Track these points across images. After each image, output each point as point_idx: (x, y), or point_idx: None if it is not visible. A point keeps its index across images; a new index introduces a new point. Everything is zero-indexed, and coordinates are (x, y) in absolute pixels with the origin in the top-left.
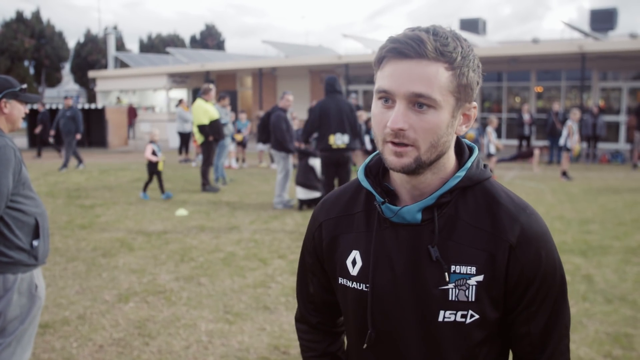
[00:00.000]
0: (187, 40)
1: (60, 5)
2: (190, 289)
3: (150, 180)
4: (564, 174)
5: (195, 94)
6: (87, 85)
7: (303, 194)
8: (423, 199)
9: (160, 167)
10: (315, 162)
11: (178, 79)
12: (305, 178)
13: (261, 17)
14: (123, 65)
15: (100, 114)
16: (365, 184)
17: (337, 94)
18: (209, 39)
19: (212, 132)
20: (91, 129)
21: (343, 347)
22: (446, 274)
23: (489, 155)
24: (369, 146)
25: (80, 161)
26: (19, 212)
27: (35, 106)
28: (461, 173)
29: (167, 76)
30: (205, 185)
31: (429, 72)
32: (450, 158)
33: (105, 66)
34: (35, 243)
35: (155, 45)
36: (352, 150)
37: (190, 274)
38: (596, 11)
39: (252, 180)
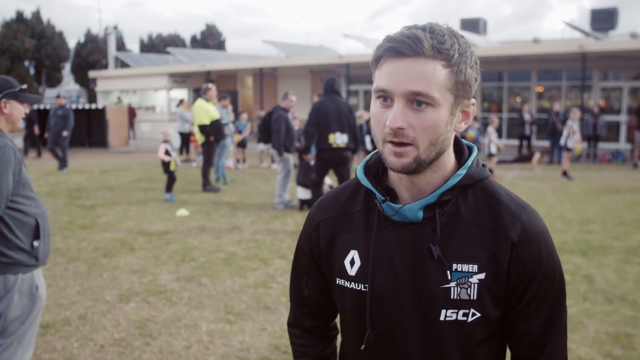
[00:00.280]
0: (187, 40)
1: (61, 5)
2: (191, 289)
3: (172, 178)
4: (565, 173)
5: (196, 94)
6: (87, 85)
7: (304, 193)
8: (423, 197)
9: (172, 167)
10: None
11: (179, 79)
12: (306, 178)
13: (262, 17)
14: (123, 65)
15: (100, 114)
16: (366, 182)
17: (336, 94)
18: (210, 39)
19: (213, 132)
20: (92, 129)
21: (335, 352)
22: (448, 272)
23: (490, 155)
24: (369, 146)
25: (64, 164)
26: (19, 213)
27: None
28: (462, 171)
29: (167, 76)
30: (206, 185)
31: (427, 70)
32: (450, 156)
33: (105, 66)
34: (35, 243)
35: (155, 45)
36: (350, 150)
37: (191, 274)
38: (597, 11)
39: (252, 180)
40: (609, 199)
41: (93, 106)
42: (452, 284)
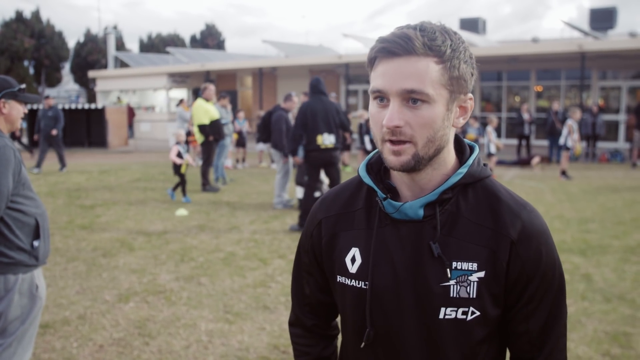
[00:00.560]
0: (187, 40)
1: (60, 5)
2: (191, 289)
3: (182, 180)
4: (564, 173)
5: (196, 93)
6: (87, 85)
7: (303, 193)
8: (424, 195)
9: (183, 169)
10: None
11: (178, 78)
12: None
13: (261, 16)
14: (123, 65)
15: (100, 114)
16: (367, 180)
17: (322, 95)
18: (209, 39)
19: (213, 132)
20: (91, 129)
21: (336, 351)
22: (447, 270)
23: (489, 155)
24: (368, 146)
25: (39, 165)
26: (19, 213)
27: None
28: (463, 170)
29: (167, 76)
30: (206, 185)
31: (419, 67)
32: (451, 154)
33: (105, 66)
34: (35, 243)
35: (155, 45)
36: (338, 149)
37: (191, 273)
38: (596, 10)
39: (252, 180)
40: (608, 198)
41: (92, 106)
42: (452, 282)
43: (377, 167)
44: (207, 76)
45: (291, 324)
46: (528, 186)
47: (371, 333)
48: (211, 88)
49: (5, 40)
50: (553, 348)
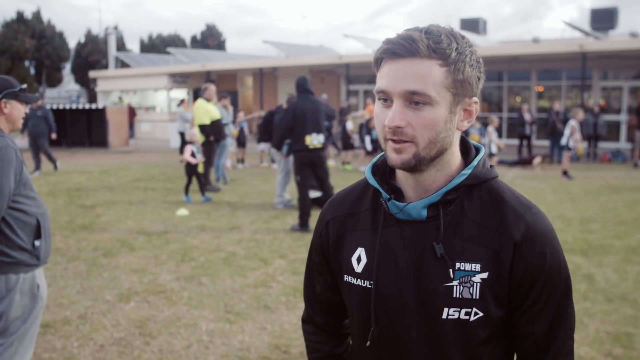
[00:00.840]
0: (187, 40)
1: (61, 6)
2: (191, 289)
3: (189, 182)
4: (565, 173)
5: (196, 94)
6: (87, 85)
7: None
8: (428, 196)
9: (200, 169)
10: None
11: (179, 79)
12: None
13: (262, 17)
14: (124, 65)
15: (100, 114)
16: (372, 181)
17: (309, 94)
18: (210, 39)
19: (213, 132)
20: (92, 129)
21: (349, 349)
22: (450, 270)
23: (490, 155)
24: (369, 147)
25: (38, 167)
26: (21, 213)
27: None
28: (467, 171)
29: (167, 76)
30: (206, 185)
31: (422, 69)
32: (455, 155)
33: (105, 66)
34: (37, 243)
35: (155, 45)
36: (326, 149)
37: (191, 273)
38: (597, 10)
39: (252, 180)
40: (609, 198)
41: (93, 106)
42: (455, 283)
43: (383, 169)
44: (208, 76)
45: (304, 321)
46: (529, 186)
47: (376, 332)
48: (212, 88)
49: (6, 40)
50: (559, 350)
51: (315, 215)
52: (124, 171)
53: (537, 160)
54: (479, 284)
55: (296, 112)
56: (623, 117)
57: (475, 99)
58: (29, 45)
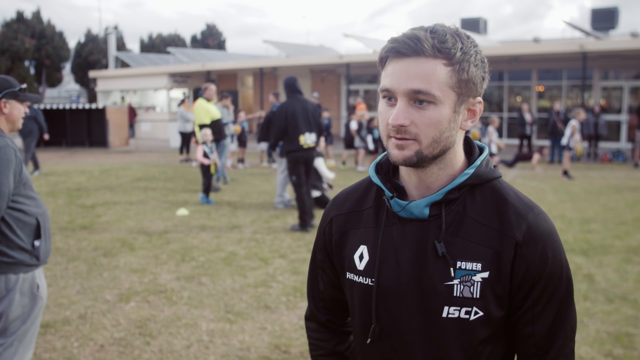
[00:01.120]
0: (188, 40)
1: (61, 5)
2: (191, 289)
3: (208, 182)
4: (565, 173)
5: (196, 93)
6: (87, 85)
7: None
8: (430, 195)
9: (212, 170)
10: (318, 163)
11: (179, 78)
12: (312, 178)
13: (262, 16)
14: (124, 65)
15: (101, 114)
16: (376, 179)
17: (299, 94)
18: (210, 39)
19: (214, 131)
20: (92, 129)
21: (351, 347)
22: (451, 269)
23: (491, 155)
24: (371, 146)
25: (36, 167)
26: (20, 213)
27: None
28: (470, 170)
29: (168, 76)
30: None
31: (427, 68)
32: (458, 154)
33: (106, 66)
34: (36, 243)
35: (156, 45)
36: (316, 147)
37: (191, 273)
38: (597, 10)
39: (252, 179)
40: (610, 199)
41: (93, 106)
42: (456, 282)
43: (386, 168)
44: (208, 76)
45: (307, 318)
46: (530, 186)
47: (376, 329)
48: (212, 88)
49: (6, 40)
50: (559, 352)
51: (317, 216)
52: (124, 171)
53: (535, 158)
54: (479, 283)
55: (287, 113)
56: (623, 117)
57: (480, 98)
58: (28, 45)
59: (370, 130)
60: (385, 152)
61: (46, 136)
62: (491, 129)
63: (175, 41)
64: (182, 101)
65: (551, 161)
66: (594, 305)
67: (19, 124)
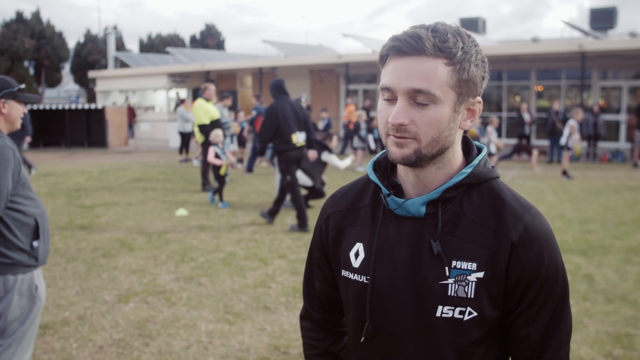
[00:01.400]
0: (187, 40)
1: (60, 6)
2: (191, 289)
3: (221, 184)
4: (565, 173)
5: (196, 93)
6: (87, 85)
7: (300, 178)
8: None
9: (222, 171)
10: (330, 158)
11: (178, 78)
12: (311, 166)
13: (261, 16)
14: (123, 65)
15: (100, 114)
16: (373, 177)
17: (286, 95)
18: (209, 39)
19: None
20: (91, 129)
21: (345, 348)
22: (446, 268)
23: (490, 155)
24: (372, 145)
25: (30, 166)
26: (19, 213)
27: None
28: (467, 170)
29: (167, 76)
30: (205, 185)
31: (427, 68)
32: (456, 154)
33: (105, 66)
34: (35, 244)
35: (155, 45)
36: (307, 147)
37: (191, 274)
38: (596, 10)
39: (252, 180)
40: (609, 198)
41: (92, 106)
42: (450, 281)
43: (384, 166)
44: (207, 76)
45: (302, 317)
46: (529, 186)
47: (370, 327)
48: (211, 88)
49: (5, 40)
50: (554, 355)
51: (317, 210)
52: (123, 171)
53: (534, 154)
54: (474, 283)
55: (279, 112)
56: (622, 117)
57: (479, 98)
58: (28, 45)
59: (370, 130)
60: (384, 150)
61: (28, 139)
62: (490, 129)
63: (174, 41)
64: (183, 101)
65: (550, 161)
66: (593, 306)
67: (18, 124)
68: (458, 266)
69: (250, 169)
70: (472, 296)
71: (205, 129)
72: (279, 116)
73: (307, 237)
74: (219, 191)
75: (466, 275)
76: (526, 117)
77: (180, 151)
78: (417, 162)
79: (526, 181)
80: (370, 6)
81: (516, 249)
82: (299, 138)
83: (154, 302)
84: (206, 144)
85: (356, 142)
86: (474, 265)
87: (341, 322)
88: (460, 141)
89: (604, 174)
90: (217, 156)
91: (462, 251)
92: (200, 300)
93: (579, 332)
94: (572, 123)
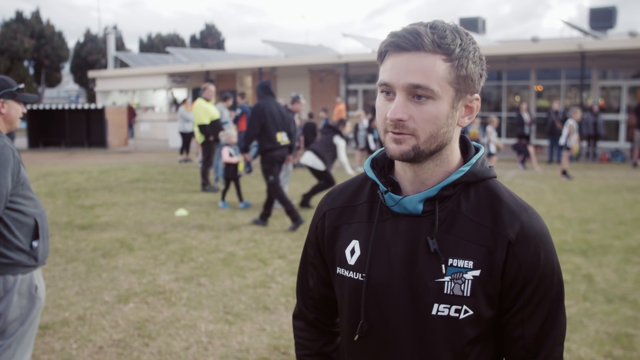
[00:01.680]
0: (187, 40)
1: (60, 5)
2: (190, 290)
3: (227, 186)
4: (564, 173)
5: (195, 93)
6: (87, 85)
7: (310, 159)
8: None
9: (240, 167)
10: (340, 142)
11: (178, 78)
12: (322, 149)
13: (261, 16)
14: (123, 65)
15: (100, 114)
16: (371, 174)
17: (272, 96)
18: (209, 39)
19: (213, 131)
20: (91, 129)
21: (338, 349)
22: (443, 266)
23: (489, 155)
24: (372, 145)
25: None
26: (18, 213)
27: None
28: (465, 168)
29: (167, 76)
30: (205, 185)
31: (426, 63)
32: (454, 152)
33: (105, 66)
34: (34, 244)
35: (155, 45)
36: (290, 147)
37: (190, 274)
38: (595, 9)
39: (252, 180)
40: (609, 198)
41: (92, 106)
42: (446, 279)
43: (382, 163)
44: (207, 76)
45: (294, 316)
46: (529, 186)
47: (365, 326)
48: (211, 88)
49: (5, 40)
50: (548, 356)
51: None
52: (123, 171)
53: (531, 151)
54: (470, 282)
55: (266, 111)
56: (622, 117)
57: (477, 95)
58: (28, 45)
59: (370, 130)
60: (382, 148)
61: None
62: (490, 129)
63: (174, 41)
64: (184, 101)
65: (550, 161)
66: (593, 306)
67: (17, 124)
68: (454, 264)
69: (249, 169)
70: (469, 294)
71: (206, 129)
72: (266, 114)
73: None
74: (224, 192)
75: (462, 274)
76: (526, 117)
77: (181, 151)
78: (415, 158)
79: (526, 181)
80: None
81: (513, 247)
82: (283, 137)
83: (153, 303)
84: (206, 144)
85: (361, 142)
86: (471, 264)
87: (334, 323)
88: (458, 140)
89: (604, 174)
90: (231, 156)
91: (458, 249)
92: (200, 300)
93: (579, 332)
94: (570, 123)
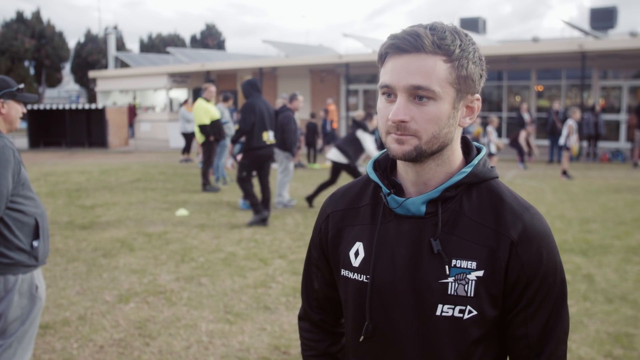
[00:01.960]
0: (187, 40)
1: (61, 5)
2: (191, 289)
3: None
4: (565, 173)
5: (196, 93)
6: (87, 85)
7: (334, 154)
8: (428, 192)
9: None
10: (364, 136)
11: (178, 78)
12: (345, 144)
13: (261, 16)
14: (123, 65)
15: (100, 114)
16: (373, 176)
17: (260, 93)
18: (210, 39)
19: (213, 131)
20: (91, 129)
21: (344, 349)
22: (446, 267)
23: (490, 155)
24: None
25: None
26: (19, 213)
27: None
28: (467, 169)
29: (167, 76)
30: (206, 185)
31: (427, 64)
32: (456, 152)
33: (105, 66)
34: (35, 244)
35: (155, 45)
36: (275, 147)
37: (191, 274)
38: (596, 9)
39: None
40: (609, 198)
41: (93, 106)
42: (450, 280)
43: (384, 165)
44: (208, 76)
45: (300, 318)
46: (529, 186)
47: (370, 327)
48: (212, 89)
49: (5, 40)
50: (551, 354)
51: (314, 216)
52: (123, 171)
53: (522, 135)
54: (474, 282)
55: (256, 108)
56: (623, 117)
57: (478, 95)
58: (28, 45)
59: (372, 131)
60: (384, 150)
61: None
62: (490, 129)
63: (174, 41)
64: (185, 101)
65: (550, 161)
66: (593, 306)
67: (17, 124)
68: (458, 265)
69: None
70: (472, 295)
71: (206, 129)
72: (256, 112)
73: (307, 237)
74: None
75: (466, 274)
76: (526, 117)
77: (183, 152)
78: (417, 158)
79: (526, 181)
80: (371, 6)
81: (515, 247)
82: (269, 136)
83: (154, 302)
84: (207, 144)
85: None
86: (474, 264)
87: (340, 323)
88: (460, 141)
89: (604, 174)
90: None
91: (462, 250)
92: (201, 300)
93: (579, 331)
94: (570, 123)
